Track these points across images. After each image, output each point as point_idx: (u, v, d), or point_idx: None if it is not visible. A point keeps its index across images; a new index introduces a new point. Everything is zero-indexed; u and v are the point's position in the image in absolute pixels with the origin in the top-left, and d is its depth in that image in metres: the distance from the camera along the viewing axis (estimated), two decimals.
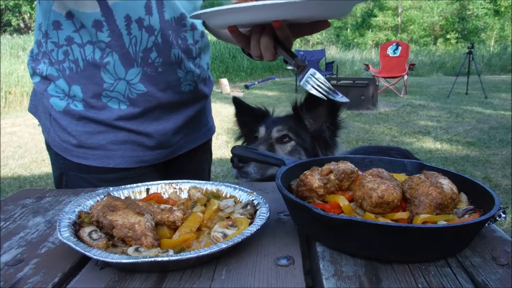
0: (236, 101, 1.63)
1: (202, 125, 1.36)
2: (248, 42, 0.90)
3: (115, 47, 1.06)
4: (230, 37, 1.34)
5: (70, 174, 1.19)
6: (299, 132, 1.52)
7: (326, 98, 0.81)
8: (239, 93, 10.68)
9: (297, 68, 0.85)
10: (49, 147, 1.22)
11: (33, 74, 1.19)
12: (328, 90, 0.81)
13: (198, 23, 1.20)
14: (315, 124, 1.52)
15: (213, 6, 0.85)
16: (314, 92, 0.82)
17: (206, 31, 1.27)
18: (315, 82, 0.82)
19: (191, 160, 1.35)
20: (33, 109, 1.25)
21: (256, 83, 12.71)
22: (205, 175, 1.46)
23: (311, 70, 0.83)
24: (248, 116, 1.66)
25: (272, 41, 0.86)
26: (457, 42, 24.32)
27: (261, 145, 1.50)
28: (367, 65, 11.21)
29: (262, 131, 1.57)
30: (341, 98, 0.81)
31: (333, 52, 17.66)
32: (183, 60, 1.16)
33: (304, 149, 1.52)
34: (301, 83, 0.83)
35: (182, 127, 1.24)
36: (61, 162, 1.19)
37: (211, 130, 1.43)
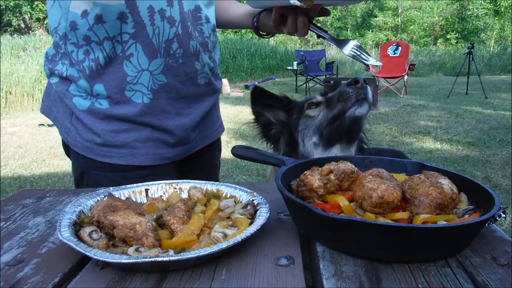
0: (257, 90, 1.46)
1: (215, 121, 1.40)
2: (281, 20, 1.14)
3: (139, 37, 1.08)
4: (238, 23, 1.42)
5: (92, 173, 1.19)
6: None
7: (365, 64, 1.03)
8: (239, 93, 10.68)
9: (335, 41, 1.05)
10: (66, 148, 1.22)
11: (51, 75, 1.19)
12: (365, 57, 1.05)
13: (211, 16, 1.25)
14: None
15: None
16: (355, 58, 1.05)
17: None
18: (357, 51, 1.06)
19: (204, 157, 1.38)
20: (47, 110, 1.25)
21: (256, 83, 12.71)
22: (216, 172, 1.49)
23: (354, 42, 1.06)
24: (270, 106, 1.50)
25: (307, 20, 1.09)
26: (457, 42, 24.31)
27: (345, 86, 1.31)
28: (367, 65, 11.20)
29: (318, 97, 1.44)
30: (375, 62, 1.09)
31: (333, 52, 17.64)
32: (200, 53, 1.20)
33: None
34: (346, 53, 1.05)
35: (198, 123, 1.28)
36: (81, 161, 1.19)
37: (221, 126, 1.47)
